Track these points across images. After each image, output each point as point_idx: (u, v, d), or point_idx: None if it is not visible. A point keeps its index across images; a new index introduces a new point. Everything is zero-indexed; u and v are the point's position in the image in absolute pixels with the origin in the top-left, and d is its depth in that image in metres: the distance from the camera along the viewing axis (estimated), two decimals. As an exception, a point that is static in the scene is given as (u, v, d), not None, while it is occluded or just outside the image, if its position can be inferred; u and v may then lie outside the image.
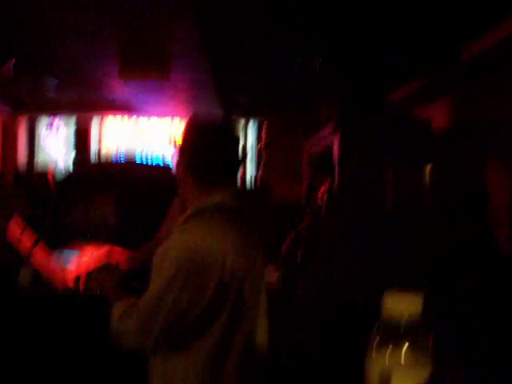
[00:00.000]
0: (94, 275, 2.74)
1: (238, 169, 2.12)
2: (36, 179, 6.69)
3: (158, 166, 6.84)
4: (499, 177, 3.29)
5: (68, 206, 5.50)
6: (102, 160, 9.58)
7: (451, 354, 2.07)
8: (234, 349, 1.83)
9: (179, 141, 2.10)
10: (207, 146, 1.99)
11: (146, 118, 9.95)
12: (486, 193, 3.42)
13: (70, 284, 2.75)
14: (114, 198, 5.72)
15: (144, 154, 10.01)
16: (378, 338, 0.88)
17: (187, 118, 2.13)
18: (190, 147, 2.00)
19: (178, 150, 2.09)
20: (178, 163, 2.05)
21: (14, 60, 5.76)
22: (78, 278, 2.71)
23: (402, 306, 0.87)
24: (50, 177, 6.65)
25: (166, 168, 5.43)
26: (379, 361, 0.87)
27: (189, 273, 1.73)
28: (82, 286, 2.59)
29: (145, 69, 5.68)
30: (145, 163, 8.06)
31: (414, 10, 3.12)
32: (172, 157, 2.10)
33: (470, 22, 3.04)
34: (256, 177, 10.02)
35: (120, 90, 7.11)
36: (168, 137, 10.06)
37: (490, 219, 3.31)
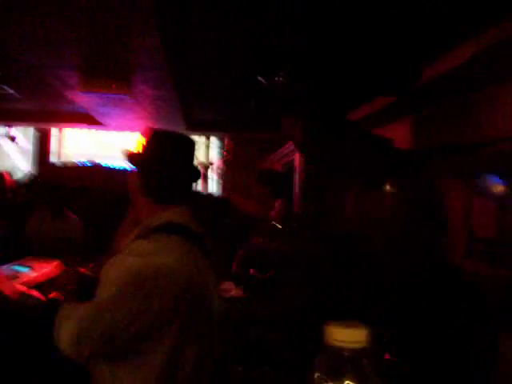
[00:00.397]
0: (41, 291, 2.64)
1: (191, 187, 2.07)
2: None
3: (124, 170, 6.64)
4: (457, 196, 3.33)
5: (25, 214, 5.34)
6: (64, 164, 9.41)
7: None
8: (187, 363, 1.79)
9: (133, 156, 2.05)
10: (162, 163, 1.94)
11: (105, 131, 9.82)
12: (445, 212, 3.45)
13: (15, 296, 2.65)
14: (79, 209, 5.60)
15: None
16: (319, 370, 0.83)
17: (143, 133, 2.06)
18: (144, 164, 1.96)
19: (132, 165, 2.04)
20: (132, 178, 2.00)
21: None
22: (23, 293, 2.62)
23: (345, 336, 0.82)
24: (5, 182, 6.48)
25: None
26: None
27: (131, 293, 1.69)
28: (26, 301, 2.50)
29: (106, 81, 5.60)
30: (111, 167, 7.88)
31: (378, 31, 3.15)
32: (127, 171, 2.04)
33: (431, 44, 3.08)
34: (216, 193, 9.99)
35: (80, 101, 6.99)
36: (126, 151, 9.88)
37: (448, 238, 3.33)
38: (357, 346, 0.83)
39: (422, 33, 2.99)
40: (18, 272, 3.26)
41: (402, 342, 2.53)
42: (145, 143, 2.00)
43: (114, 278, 1.73)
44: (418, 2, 2.74)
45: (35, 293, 2.68)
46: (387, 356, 2.17)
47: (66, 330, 1.72)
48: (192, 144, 2.05)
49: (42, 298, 2.62)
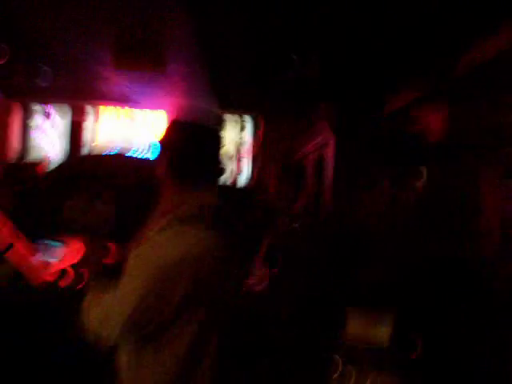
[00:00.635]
0: (76, 269, 2.67)
1: (219, 173, 2.05)
2: (25, 169, 6.59)
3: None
4: (492, 193, 3.22)
5: (60, 198, 5.39)
6: (96, 152, 9.51)
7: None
8: (211, 350, 1.81)
9: (162, 138, 2.03)
10: (193, 147, 1.92)
11: (140, 110, 9.85)
12: (478, 207, 3.36)
13: (50, 278, 2.68)
14: (113, 194, 5.63)
15: (139, 147, 9.89)
16: (340, 366, 0.79)
17: (173, 114, 2.05)
18: (174, 147, 1.94)
19: (160, 148, 2.02)
20: (159, 162, 1.97)
21: (7, 47, 5.67)
22: (60, 272, 2.65)
23: (368, 330, 0.77)
24: (40, 168, 6.55)
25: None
26: None
27: (157, 280, 1.72)
28: (63, 281, 2.53)
29: (139, 59, 5.59)
30: (139, 157, 7.96)
31: (414, 20, 3.05)
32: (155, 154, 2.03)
33: (468, 34, 2.97)
34: (250, 174, 9.94)
35: (114, 79, 7.01)
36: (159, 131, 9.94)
37: (479, 234, 3.24)
38: (378, 345, 0.79)
39: (461, 19, 2.87)
40: (51, 246, 3.30)
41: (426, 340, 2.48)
42: (176, 125, 2.00)
43: (140, 267, 1.76)
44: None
45: (66, 281, 2.70)
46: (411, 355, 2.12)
47: (95, 313, 1.78)
48: (219, 137, 2.04)
49: (73, 274, 2.63)
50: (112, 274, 2.25)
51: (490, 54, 2.85)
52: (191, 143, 1.93)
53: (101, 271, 2.30)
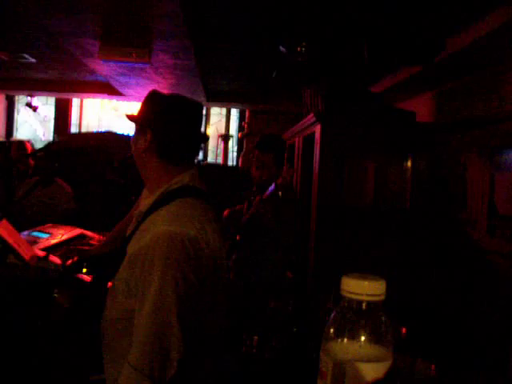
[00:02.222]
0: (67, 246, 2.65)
1: (199, 150, 2.02)
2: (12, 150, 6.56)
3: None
4: (479, 171, 3.26)
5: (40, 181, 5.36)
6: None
7: (422, 346, 2.04)
8: (214, 327, 1.80)
9: (140, 113, 1.95)
10: (176, 121, 1.88)
11: (125, 101, 9.81)
12: (466, 187, 3.40)
13: (41, 253, 2.68)
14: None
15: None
16: (333, 325, 0.79)
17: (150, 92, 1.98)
18: (155, 122, 1.87)
19: (136, 125, 1.97)
20: (137, 139, 1.91)
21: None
22: (43, 258, 2.65)
23: (362, 288, 0.78)
24: (27, 150, 6.52)
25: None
26: (334, 350, 0.78)
27: (183, 264, 1.60)
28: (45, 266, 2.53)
29: (126, 49, 5.56)
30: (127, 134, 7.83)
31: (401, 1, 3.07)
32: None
33: (456, 14, 2.98)
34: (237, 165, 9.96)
35: (100, 70, 6.96)
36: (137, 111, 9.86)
37: (467, 213, 3.28)
38: (375, 298, 0.79)
39: (447, 2, 2.89)
40: (37, 238, 3.30)
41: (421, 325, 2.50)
42: (156, 101, 1.94)
43: (158, 262, 1.59)
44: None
45: (54, 258, 2.71)
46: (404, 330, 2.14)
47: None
48: (200, 107, 1.99)
49: (60, 263, 2.64)
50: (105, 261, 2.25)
51: (479, 36, 2.88)
52: (175, 115, 1.88)
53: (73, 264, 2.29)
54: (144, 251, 1.63)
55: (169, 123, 1.87)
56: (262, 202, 3.43)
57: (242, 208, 3.87)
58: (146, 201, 1.89)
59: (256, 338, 2.75)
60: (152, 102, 1.93)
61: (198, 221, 1.71)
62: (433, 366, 1.92)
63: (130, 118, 1.96)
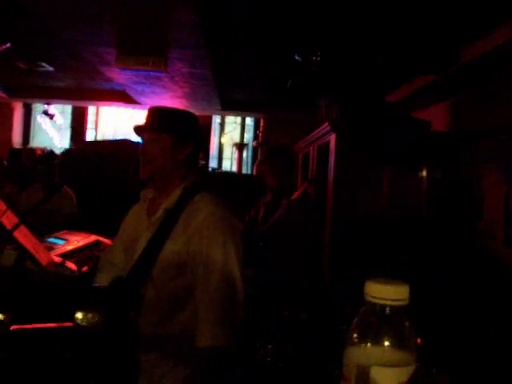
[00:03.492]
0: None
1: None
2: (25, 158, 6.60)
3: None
4: (496, 182, 3.23)
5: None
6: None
7: (439, 353, 2.02)
8: None
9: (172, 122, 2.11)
10: (202, 135, 2.29)
11: (141, 109, 9.87)
12: (482, 197, 3.37)
13: (57, 259, 2.70)
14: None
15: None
16: (357, 330, 0.79)
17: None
18: (195, 136, 2.13)
19: (173, 137, 2.08)
20: (174, 149, 2.08)
21: (9, 44, 5.68)
22: (63, 261, 2.67)
23: (386, 293, 0.77)
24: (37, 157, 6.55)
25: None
26: (358, 355, 0.78)
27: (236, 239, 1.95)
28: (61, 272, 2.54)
29: (142, 58, 5.61)
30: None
31: (416, 10, 3.07)
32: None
33: (470, 23, 2.98)
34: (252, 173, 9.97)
35: (117, 79, 7.03)
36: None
37: (484, 223, 3.25)
38: (399, 303, 0.79)
39: (462, 13, 2.89)
40: (53, 244, 3.32)
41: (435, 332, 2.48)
42: (188, 119, 2.16)
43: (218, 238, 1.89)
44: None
45: (70, 264, 2.73)
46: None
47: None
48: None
49: (76, 269, 2.65)
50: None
51: (494, 45, 2.87)
52: (201, 130, 2.22)
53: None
54: (199, 230, 1.90)
55: (202, 136, 2.31)
56: (292, 203, 3.48)
57: (257, 213, 3.89)
58: (163, 199, 2.06)
59: (270, 346, 2.75)
60: (184, 117, 2.16)
61: (225, 205, 2.03)
62: (447, 378, 1.90)
63: (174, 131, 2.08)
